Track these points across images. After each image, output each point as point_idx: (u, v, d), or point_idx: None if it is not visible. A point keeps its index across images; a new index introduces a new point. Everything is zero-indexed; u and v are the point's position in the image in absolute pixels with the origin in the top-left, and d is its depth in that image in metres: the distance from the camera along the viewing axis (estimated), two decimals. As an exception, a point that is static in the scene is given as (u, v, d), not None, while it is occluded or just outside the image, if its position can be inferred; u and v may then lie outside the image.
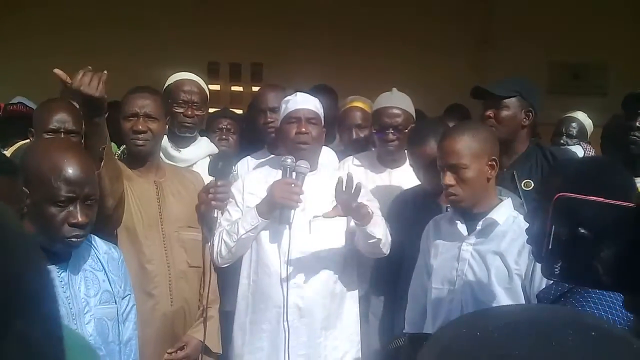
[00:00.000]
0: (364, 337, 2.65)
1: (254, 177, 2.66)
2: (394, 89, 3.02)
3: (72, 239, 1.70)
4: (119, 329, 1.83)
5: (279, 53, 6.01)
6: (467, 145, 2.13)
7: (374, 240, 2.41)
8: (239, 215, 2.55)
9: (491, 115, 2.65)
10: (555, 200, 0.54)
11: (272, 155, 2.91)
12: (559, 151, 2.87)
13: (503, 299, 2.04)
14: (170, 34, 5.89)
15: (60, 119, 2.57)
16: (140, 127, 2.41)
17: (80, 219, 1.67)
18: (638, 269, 0.51)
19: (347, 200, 2.30)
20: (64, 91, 2.96)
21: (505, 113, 2.65)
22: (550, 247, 0.53)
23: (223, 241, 2.51)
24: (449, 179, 2.13)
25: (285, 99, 2.65)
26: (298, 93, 2.65)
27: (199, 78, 2.97)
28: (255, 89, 6.32)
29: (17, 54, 5.77)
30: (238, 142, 3.34)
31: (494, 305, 2.02)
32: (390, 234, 2.50)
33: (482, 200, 2.15)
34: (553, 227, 0.54)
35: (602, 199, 0.54)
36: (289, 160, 2.47)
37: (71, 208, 1.67)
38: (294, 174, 2.47)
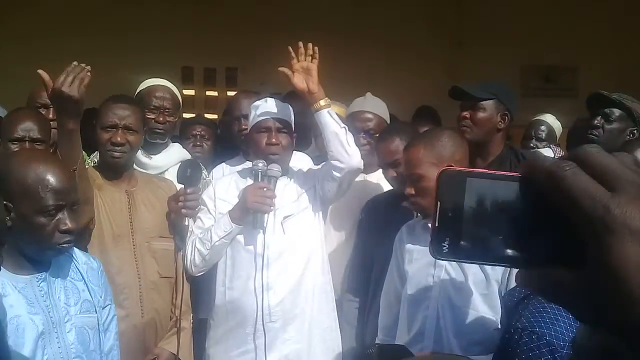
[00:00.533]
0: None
1: (224, 183, 2.64)
2: (368, 94, 3.04)
3: (64, 245, 1.74)
4: (99, 338, 1.83)
5: (253, 57, 5.99)
6: (423, 154, 2.12)
7: (337, 129, 2.44)
8: (211, 222, 2.53)
9: (467, 116, 2.66)
10: (439, 174, 0.51)
11: (247, 162, 2.90)
12: (529, 154, 2.90)
13: (480, 304, 2.04)
14: (143, 38, 5.83)
15: (25, 127, 2.53)
16: (119, 139, 2.38)
17: (70, 225, 1.71)
18: (526, 242, 0.49)
19: (303, 65, 2.42)
20: (32, 99, 2.93)
21: (481, 115, 2.66)
22: (437, 224, 0.50)
23: (196, 249, 2.49)
24: (409, 189, 2.14)
25: (254, 104, 2.62)
26: (268, 99, 2.63)
27: (172, 84, 2.95)
28: (231, 93, 6.29)
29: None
30: (212, 148, 3.32)
31: (471, 310, 2.03)
32: (363, 241, 2.50)
33: None
34: (439, 203, 0.51)
35: (487, 170, 0.52)
36: (260, 164, 2.47)
37: (60, 216, 1.70)
38: (265, 178, 2.46)
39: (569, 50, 6.04)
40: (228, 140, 3.43)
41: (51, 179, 1.68)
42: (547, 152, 3.49)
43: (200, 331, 2.62)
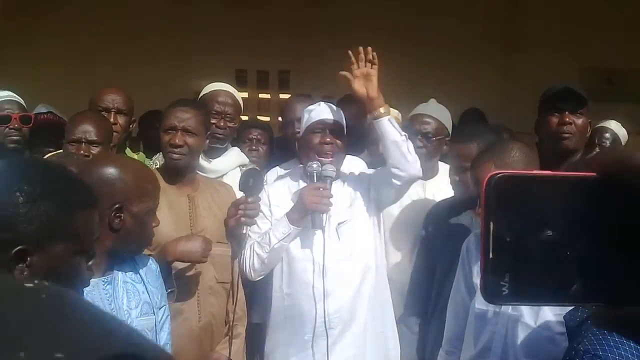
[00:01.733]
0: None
1: (277, 188, 2.65)
2: (432, 100, 2.98)
3: (151, 242, 1.94)
4: (157, 339, 1.88)
5: (306, 61, 6.00)
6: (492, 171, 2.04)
7: (398, 138, 2.41)
8: (267, 226, 2.54)
9: (571, 121, 2.52)
10: (486, 184, 0.37)
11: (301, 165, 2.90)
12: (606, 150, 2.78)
13: (553, 324, 1.93)
14: (198, 41, 5.90)
15: (83, 129, 2.58)
16: (177, 141, 2.42)
17: (158, 222, 1.92)
18: (613, 269, 0.35)
19: (364, 71, 2.40)
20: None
21: (583, 121, 2.54)
22: (491, 255, 0.36)
23: (255, 253, 2.50)
24: (479, 208, 2.05)
25: (308, 108, 2.63)
26: (321, 103, 2.64)
27: (234, 89, 2.97)
28: (283, 96, 6.34)
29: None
30: (268, 152, 3.33)
31: (542, 330, 1.94)
32: (425, 253, 2.45)
33: None
34: (492, 224, 0.37)
35: (551, 172, 0.38)
36: (314, 165, 2.47)
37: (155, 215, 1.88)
38: (321, 178, 2.47)
39: (633, 53, 5.82)
40: (285, 143, 3.45)
41: (155, 182, 1.87)
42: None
43: (253, 336, 2.61)
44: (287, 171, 2.87)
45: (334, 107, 2.63)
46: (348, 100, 3.76)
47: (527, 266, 0.36)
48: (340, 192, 2.54)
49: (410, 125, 2.90)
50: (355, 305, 2.47)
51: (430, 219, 2.67)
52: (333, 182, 2.51)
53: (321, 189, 2.43)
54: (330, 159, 2.49)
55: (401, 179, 2.45)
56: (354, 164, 2.80)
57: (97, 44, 5.91)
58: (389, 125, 2.42)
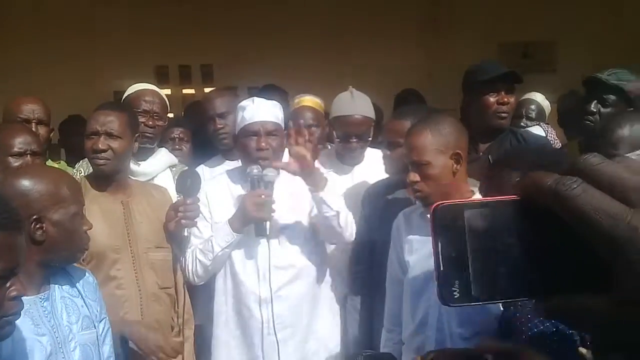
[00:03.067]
0: (345, 336, 2.65)
1: (216, 188, 2.57)
2: (353, 90, 2.89)
3: (86, 245, 1.88)
4: (99, 352, 1.84)
5: (228, 53, 5.93)
6: (428, 141, 2.08)
7: (331, 214, 2.36)
8: (208, 230, 2.48)
9: (509, 101, 2.60)
10: (433, 211, 0.46)
11: (227, 161, 2.86)
12: (528, 134, 2.86)
13: None
14: (113, 39, 5.74)
15: (25, 141, 2.49)
16: (100, 145, 2.33)
17: (89, 225, 1.87)
18: (541, 270, 0.45)
19: (299, 152, 2.29)
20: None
21: (514, 99, 2.62)
22: (442, 268, 0.45)
23: (198, 260, 2.44)
24: (413, 175, 2.10)
25: (241, 104, 2.51)
26: (255, 99, 2.52)
27: (159, 89, 2.91)
28: (208, 90, 6.25)
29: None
30: (191, 150, 3.25)
31: None
32: (358, 225, 2.49)
33: (452, 193, 2.08)
34: (439, 244, 0.45)
35: (481, 199, 0.48)
36: (255, 171, 2.39)
37: (82, 219, 1.83)
38: (262, 184, 2.40)
39: (546, 26, 6.06)
40: (203, 140, 3.38)
41: (72, 185, 1.82)
42: (538, 130, 3.49)
43: (197, 337, 2.57)
44: (218, 169, 2.81)
45: (269, 104, 2.52)
46: (268, 91, 3.76)
47: (471, 274, 0.45)
48: (282, 195, 2.46)
49: (341, 127, 2.85)
50: (298, 311, 2.46)
51: (367, 199, 2.69)
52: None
53: (262, 196, 2.37)
54: (267, 163, 2.40)
55: (332, 242, 2.53)
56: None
57: (13, 44, 5.65)
58: (322, 203, 2.37)
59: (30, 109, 2.89)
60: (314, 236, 2.53)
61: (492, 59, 3.57)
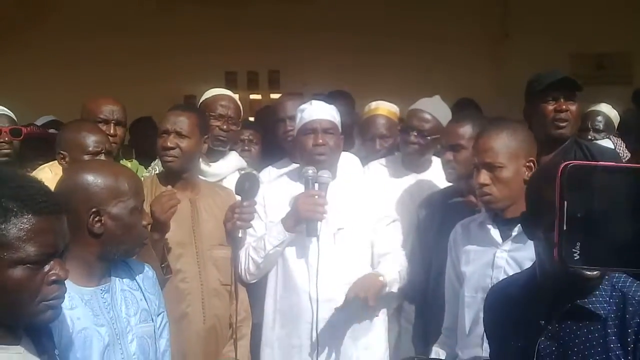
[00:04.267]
0: (398, 346, 2.62)
1: (274, 189, 2.63)
2: (436, 97, 2.96)
3: (146, 239, 1.92)
4: (156, 346, 1.87)
5: (295, 59, 6.00)
6: (505, 143, 2.05)
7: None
8: (263, 229, 2.53)
9: (567, 109, 2.53)
10: (563, 169, 0.46)
11: (293, 164, 2.90)
12: (594, 146, 2.77)
13: None
14: (185, 45, 5.90)
15: (100, 140, 2.60)
16: (169, 143, 2.44)
17: (147, 219, 1.90)
18: None
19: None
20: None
21: (576, 107, 2.55)
22: (565, 227, 0.45)
23: (250, 258, 2.50)
24: (483, 177, 2.05)
25: (300, 107, 2.61)
26: (313, 101, 2.62)
27: (235, 96, 3.02)
28: (274, 96, 6.34)
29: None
30: (260, 152, 3.34)
31: None
32: (416, 232, 2.49)
33: (517, 203, 2.02)
34: (566, 203, 0.45)
35: (614, 164, 0.48)
36: (310, 172, 2.44)
37: (141, 213, 1.86)
38: (316, 185, 2.44)
39: (621, 36, 5.83)
40: (274, 143, 3.44)
41: (133, 180, 1.84)
42: (607, 143, 3.37)
43: (252, 335, 2.62)
44: (283, 171, 2.87)
45: (326, 105, 2.60)
46: (334, 97, 3.78)
47: (595, 237, 0.45)
48: (340, 195, 2.50)
49: (409, 118, 2.91)
50: (348, 310, 2.45)
51: (424, 209, 2.68)
52: (331, 183, 2.49)
53: (316, 197, 2.40)
54: (324, 158, 2.46)
55: None
56: (347, 161, 2.79)
57: (85, 45, 5.90)
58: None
59: (110, 110, 2.97)
60: (369, 244, 2.53)
61: (561, 69, 3.49)
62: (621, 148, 3.40)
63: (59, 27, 5.99)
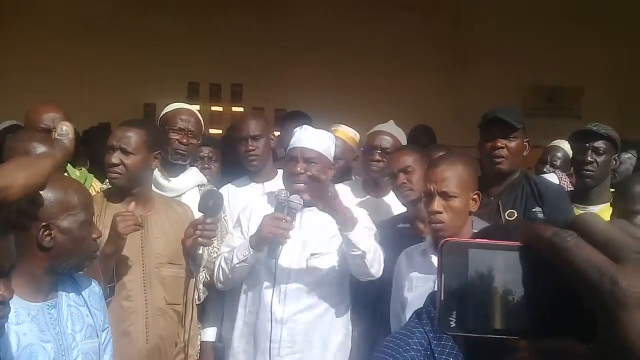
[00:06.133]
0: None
1: (262, 205, 2.63)
2: (391, 121, 3.14)
3: (95, 252, 1.93)
4: None
5: (259, 73, 6.05)
6: (459, 175, 2.15)
7: (357, 253, 2.38)
8: (240, 242, 2.55)
9: (503, 145, 2.65)
10: (441, 246, 0.50)
11: (253, 183, 2.95)
12: (541, 181, 2.91)
13: None
14: (149, 53, 5.88)
15: (43, 152, 2.52)
16: (113, 160, 2.42)
17: (97, 233, 1.89)
18: (534, 313, 0.48)
19: (322, 189, 2.32)
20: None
21: (515, 144, 2.66)
22: (442, 298, 0.49)
23: (221, 267, 2.53)
24: (437, 205, 2.13)
25: (295, 130, 2.64)
26: (305, 127, 2.63)
27: (196, 107, 3.00)
28: (236, 109, 6.37)
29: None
30: (219, 169, 3.33)
31: None
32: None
33: (460, 232, 2.16)
34: (442, 276, 0.49)
35: (487, 240, 0.51)
36: (282, 195, 2.44)
37: (91, 226, 1.87)
38: (286, 209, 2.43)
39: (574, 72, 6.07)
40: (233, 160, 3.47)
41: (82, 194, 1.83)
42: (553, 177, 3.52)
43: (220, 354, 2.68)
44: (242, 187, 2.91)
45: (318, 133, 2.59)
46: (292, 117, 3.84)
47: (469, 307, 0.49)
48: (321, 222, 2.49)
49: (370, 140, 3.03)
50: (312, 333, 2.50)
51: (379, 230, 2.75)
52: (312, 210, 2.49)
53: (283, 220, 2.39)
54: (300, 187, 2.46)
55: (361, 278, 2.51)
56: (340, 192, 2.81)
57: (47, 50, 5.82)
58: (350, 242, 2.39)
59: (51, 118, 2.88)
60: (339, 273, 2.55)
61: (514, 104, 3.63)
62: (565, 182, 3.56)
63: (22, 31, 5.88)
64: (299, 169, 2.48)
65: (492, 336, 0.50)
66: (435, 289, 2.08)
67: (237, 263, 2.47)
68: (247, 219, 2.58)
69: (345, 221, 2.35)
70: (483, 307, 0.49)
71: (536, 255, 0.48)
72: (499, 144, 2.65)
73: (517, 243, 0.50)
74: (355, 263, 2.43)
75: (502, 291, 0.49)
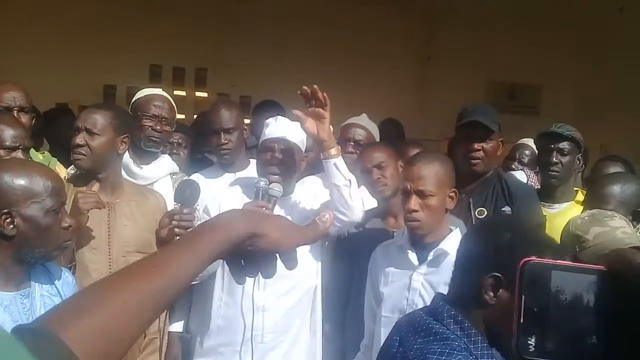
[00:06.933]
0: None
1: (230, 197, 2.60)
2: (364, 114, 3.14)
3: (68, 242, 1.83)
4: None
5: (223, 58, 5.97)
6: (436, 173, 2.17)
7: (341, 183, 2.38)
8: None
9: (480, 148, 2.70)
10: (522, 266, 0.50)
11: (226, 173, 2.89)
12: (511, 179, 2.98)
13: None
14: (111, 36, 5.73)
15: (18, 135, 2.43)
16: (77, 140, 2.37)
17: (70, 222, 1.80)
18: (618, 340, 0.47)
19: (318, 112, 2.32)
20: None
21: (491, 145, 2.71)
22: (522, 320, 0.48)
23: None
24: (414, 203, 2.15)
25: (267, 121, 2.63)
26: (278, 118, 2.62)
27: (169, 96, 2.93)
28: (200, 94, 6.28)
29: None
30: (188, 156, 3.29)
31: None
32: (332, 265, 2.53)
33: (437, 230, 2.20)
34: (523, 297, 0.49)
35: (573, 263, 0.51)
36: (262, 183, 2.42)
37: (60, 215, 1.77)
38: (266, 197, 2.41)
39: (533, 69, 6.23)
40: (202, 149, 3.42)
41: (50, 180, 1.73)
42: (521, 175, 3.62)
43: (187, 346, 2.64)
44: (213, 179, 2.86)
45: (290, 123, 2.57)
46: (264, 107, 3.81)
47: (550, 332, 0.48)
48: (292, 212, 2.50)
49: (343, 132, 3.03)
50: (290, 321, 2.49)
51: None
52: (285, 199, 2.49)
53: (263, 208, 2.36)
54: (276, 178, 2.44)
55: (342, 222, 2.46)
56: (311, 183, 2.78)
57: (12, 35, 5.61)
58: (335, 169, 2.39)
59: (11, 97, 2.80)
60: (312, 260, 2.56)
61: (478, 100, 3.70)
62: (532, 181, 3.65)
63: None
64: (274, 160, 2.48)
65: None
66: (411, 285, 2.12)
67: None
68: (216, 210, 2.52)
69: (324, 145, 2.36)
70: (566, 331, 0.48)
71: (624, 282, 0.48)
72: (476, 147, 2.70)
73: (603, 268, 0.50)
74: (338, 195, 2.41)
75: (585, 317, 0.49)
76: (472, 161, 2.71)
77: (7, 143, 2.41)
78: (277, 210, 2.46)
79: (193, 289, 2.61)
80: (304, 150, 2.62)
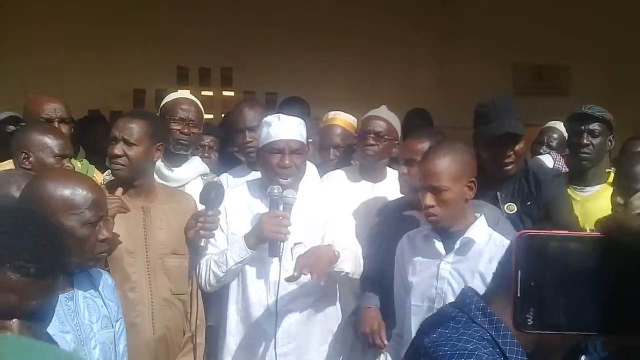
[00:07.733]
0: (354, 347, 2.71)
1: (235, 200, 2.61)
2: (384, 106, 3.14)
3: (103, 253, 1.90)
4: (116, 351, 1.92)
5: (248, 57, 6.03)
6: (448, 167, 2.16)
7: (343, 274, 2.47)
8: (224, 240, 2.53)
9: (511, 154, 2.69)
10: (517, 240, 0.49)
11: (253, 172, 2.92)
12: (532, 162, 2.93)
13: None
14: (139, 37, 5.83)
15: (65, 144, 2.59)
16: (116, 151, 2.42)
17: (107, 234, 1.85)
18: (617, 307, 0.47)
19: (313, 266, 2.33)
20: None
21: (520, 146, 2.72)
22: (519, 294, 0.48)
23: (211, 271, 2.49)
24: (429, 200, 2.16)
25: (267, 120, 2.56)
26: (281, 116, 2.55)
27: (197, 99, 2.99)
28: (226, 93, 6.35)
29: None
30: (219, 158, 3.34)
31: None
32: (367, 254, 2.56)
33: (460, 219, 2.21)
34: (519, 272, 0.48)
35: (565, 232, 0.50)
36: (275, 191, 2.42)
37: (97, 227, 1.81)
38: (281, 205, 2.42)
39: (561, 49, 6.11)
40: (230, 149, 3.47)
41: (92, 193, 1.79)
42: (547, 159, 3.59)
43: (209, 338, 2.64)
44: (242, 179, 2.87)
45: (295, 122, 2.55)
46: (289, 104, 3.86)
47: (548, 304, 0.47)
48: (298, 212, 2.48)
49: (364, 125, 3.05)
50: (307, 323, 2.52)
51: (379, 219, 2.78)
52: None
53: (281, 218, 2.38)
54: (290, 181, 2.46)
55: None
56: (307, 172, 2.82)
57: (34, 33, 5.74)
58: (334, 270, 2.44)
59: (52, 108, 2.94)
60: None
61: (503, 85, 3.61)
62: (559, 164, 3.62)
63: (3, 17, 5.81)
64: (287, 162, 2.46)
65: (571, 333, 0.49)
66: (440, 274, 2.13)
67: (234, 265, 2.45)
68: (223, 215, 2.53)
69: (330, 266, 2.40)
70: (563, 303, 0.48)
71: (621, 247, 0.47)
72: (509, 153, 2.69)
73: (601, 234, 0.49)
74: (339, 279, 2.52)
75: (584, 286, 0.48)
76: (506, 168, 2.70)
77: (57, 151, 2.56)
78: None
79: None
80: (306, 144, 2.61)
